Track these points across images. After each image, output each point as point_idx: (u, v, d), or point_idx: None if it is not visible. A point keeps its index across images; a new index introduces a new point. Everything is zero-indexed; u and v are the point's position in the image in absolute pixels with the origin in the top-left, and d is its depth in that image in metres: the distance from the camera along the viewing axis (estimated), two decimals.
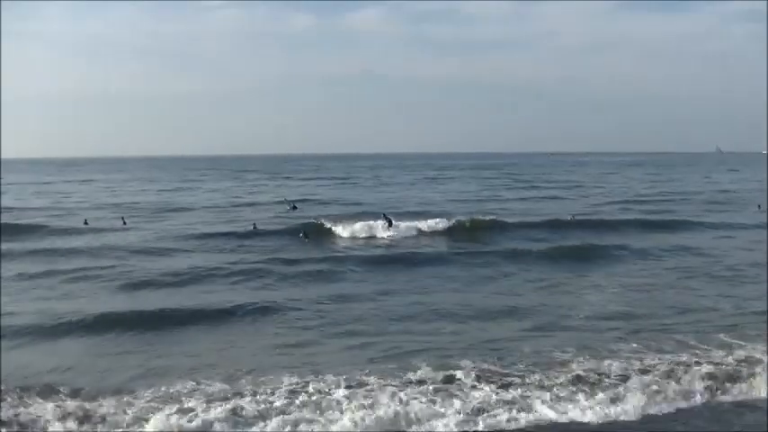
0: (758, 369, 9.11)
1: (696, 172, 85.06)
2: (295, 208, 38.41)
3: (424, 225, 26.15)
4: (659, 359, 9.64)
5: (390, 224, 25.30)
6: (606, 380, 8.84)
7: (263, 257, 19.42)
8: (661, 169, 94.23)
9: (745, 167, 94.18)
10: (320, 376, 8.97)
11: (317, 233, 24.41)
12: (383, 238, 24.54)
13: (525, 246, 21.36)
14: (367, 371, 9.17)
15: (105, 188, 59.37)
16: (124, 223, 32.58)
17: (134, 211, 35.76)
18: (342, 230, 25.37)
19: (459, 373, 8.99)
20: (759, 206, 37.06)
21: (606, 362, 9.46)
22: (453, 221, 26.24)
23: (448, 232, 25.01)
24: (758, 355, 9.69)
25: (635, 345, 10.37)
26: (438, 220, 26.64)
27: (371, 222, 25.68)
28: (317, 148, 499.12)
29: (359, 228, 25.38)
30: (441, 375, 8.94)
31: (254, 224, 30.64)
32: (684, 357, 9.72)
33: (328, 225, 25.96)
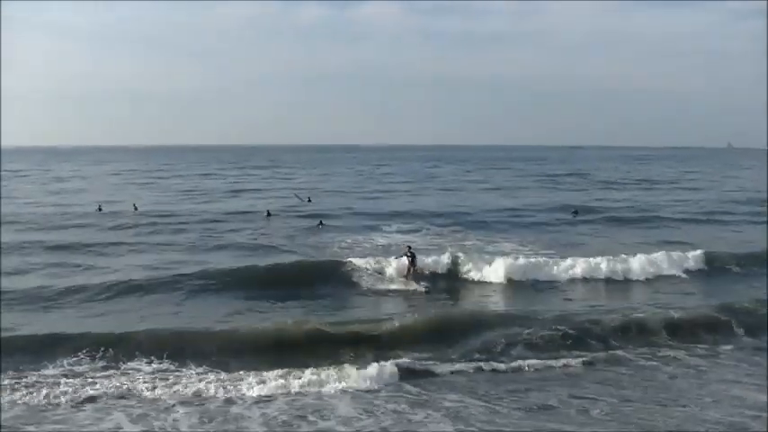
0: None
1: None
2: (309, 200, 39.59)
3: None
4: None
5: (414, 262, 19.80)
6: None
7: None
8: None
9: None
10: None
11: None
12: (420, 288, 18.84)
13: None
14: None
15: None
16: (135, 209, 33.81)
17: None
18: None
19: None
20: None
21: None
22: None
23: None
24: None
25: None
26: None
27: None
28: (327, 139, 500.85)
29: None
30: None
31: (268, 211, 31.73)
32: None
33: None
